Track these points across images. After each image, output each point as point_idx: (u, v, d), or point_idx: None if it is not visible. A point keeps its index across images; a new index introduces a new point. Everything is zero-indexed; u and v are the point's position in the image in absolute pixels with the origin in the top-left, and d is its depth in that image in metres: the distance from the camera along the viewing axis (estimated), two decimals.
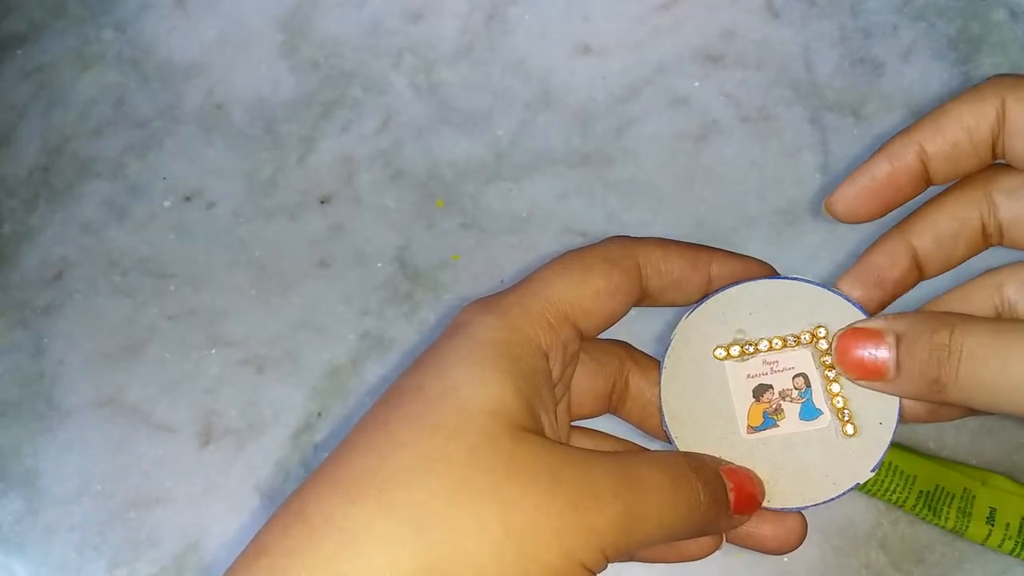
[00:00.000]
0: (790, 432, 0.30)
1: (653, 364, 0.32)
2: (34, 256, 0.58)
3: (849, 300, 0.30)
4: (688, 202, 0.55)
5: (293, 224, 0.57)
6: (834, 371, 0.30)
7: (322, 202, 0.57)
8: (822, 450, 0.30)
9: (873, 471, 0.30)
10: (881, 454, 0.30)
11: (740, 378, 0.31)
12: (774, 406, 0.30)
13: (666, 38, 0.59)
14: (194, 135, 0.60)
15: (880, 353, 0.28)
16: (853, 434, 0.30)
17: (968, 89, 0.29)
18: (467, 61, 0.60)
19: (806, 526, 0.30)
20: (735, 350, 0.31)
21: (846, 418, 0.30)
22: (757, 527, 0.30)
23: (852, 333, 0.28)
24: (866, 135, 0.55)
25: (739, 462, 0.30)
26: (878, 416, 0.30)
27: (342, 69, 0.60)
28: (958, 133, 0.28)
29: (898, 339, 0.27)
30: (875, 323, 0.28)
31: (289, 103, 0.60)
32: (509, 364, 0.25)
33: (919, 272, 0.30)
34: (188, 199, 0.58)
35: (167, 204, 0.58)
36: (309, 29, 0.62)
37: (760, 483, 0.30)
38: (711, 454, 0.30)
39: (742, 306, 0.31)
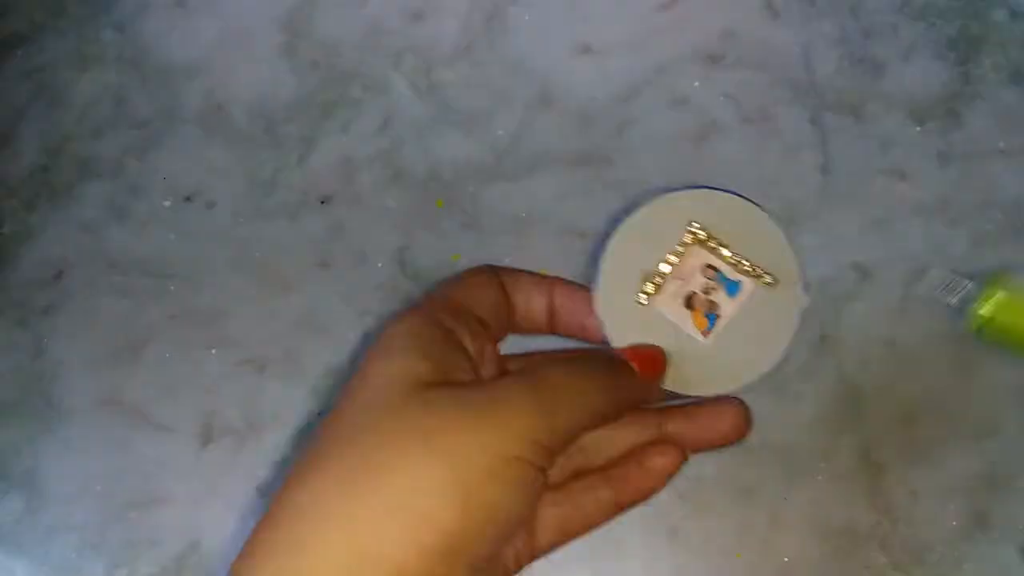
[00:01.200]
0: (732, 312, 0.34)
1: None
2: (34, 256, 0.58)
3: (692, 187, 0.35)
4: None
5: (293, 224, 0.57)
6: (726, 249, 0.34)
7: (322, 202, 0.57)
8: (764, 309, 0.34)
9: (807, 291, 0.34)
10: (802, 278, 0.34)
11: (669, 304, 0.34)
12: (706, 304, 0.34)
13: (666, 38, 0.59)
14: (194, 135, 0.60)
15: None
16: (774, 282, 0.34)
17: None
18: (467, 61, 0.60)
19: (747, 407, 0.34)
20: (649, 287, 0.34)
21: (759, 272, 0.34)
22: (713, 423, 0.34)
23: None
24: (866, 135, 0.55)
25: (721, 364, 0.34)
26: (779, 252, 0.34)
27: (342, 69, 0.60)
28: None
29: None
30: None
31: (289, 103, 0.60)
32: (410, 341, 0.29)
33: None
34: (188, 199, 0.58)
35: (167, 204, 0.58)
36: (309, 29, 0.62)
37: (656, 349, 0.33)
38: (683, 374, 0.34)
39: (627, 251, 0.34)
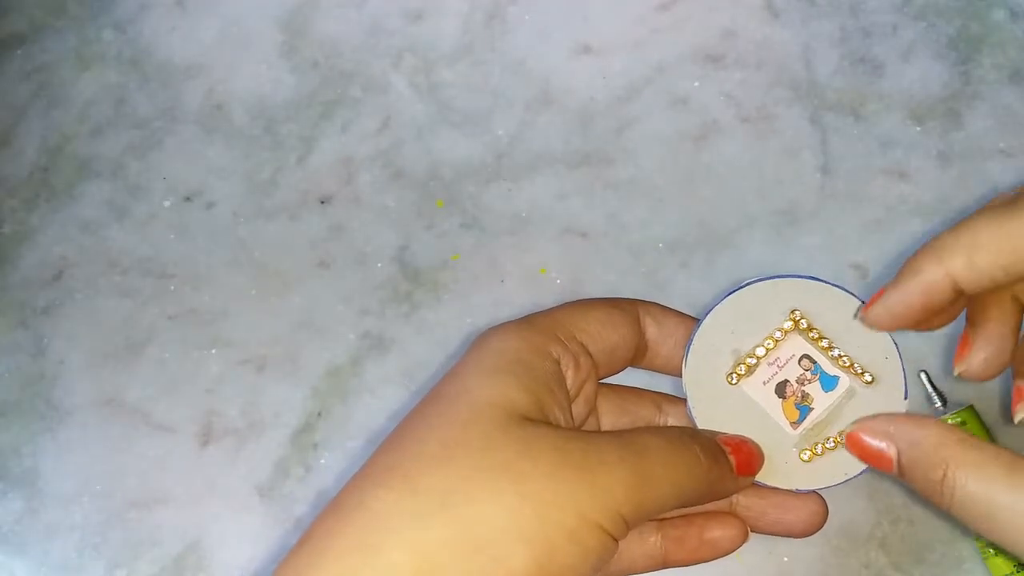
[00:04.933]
0: (824, 407, 0.33)
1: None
2: (34, 256, 0.58)
3: (798, 276, 0.33)
4: (688, 202, 0.55)
5: (293, 224, 0.57)
6: (826, 340, 0.32)
7: (322, 202, 0.57)
8: (857, 407, 0.32)
9: (906, 398, 0.32)
10: (904, 382, 0.32)
11: (759, 389, 0.33)
12: (799, 395, 0.33)
13: (666, 38, 0.59)
14: (194, 135, 0.60)
15: (888, 451, 0.29)
16: (872, 381, 0.32)
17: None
18: (467, 61, 0.60)
19: (826, 506, 0.32)
20: (741, 369, 0.33)
21: (859, 371, 0.32)
22: (783, 513, 0.32)
23: (862, 428, 0.30)
24: (866, 135, 0.55)
25: (807, 460, 0.32)
26: (881, 354, 0.32)
27: (342, 69, 0.60)
28: (996, 273, 0.28)
29: (899, 455, 0.29)
30: (879, 428, 0.30)
31: (289, 103, 0.60)
32: (517, 367, 0.28)
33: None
34: (188, 199, 0.58)
35: (167, 204, 0.58)
36: (309, 29, 0.62)
37: (757, 447, 0.32)
38: (771, 466, 0.32)
39: (722, 329, 0.33)
